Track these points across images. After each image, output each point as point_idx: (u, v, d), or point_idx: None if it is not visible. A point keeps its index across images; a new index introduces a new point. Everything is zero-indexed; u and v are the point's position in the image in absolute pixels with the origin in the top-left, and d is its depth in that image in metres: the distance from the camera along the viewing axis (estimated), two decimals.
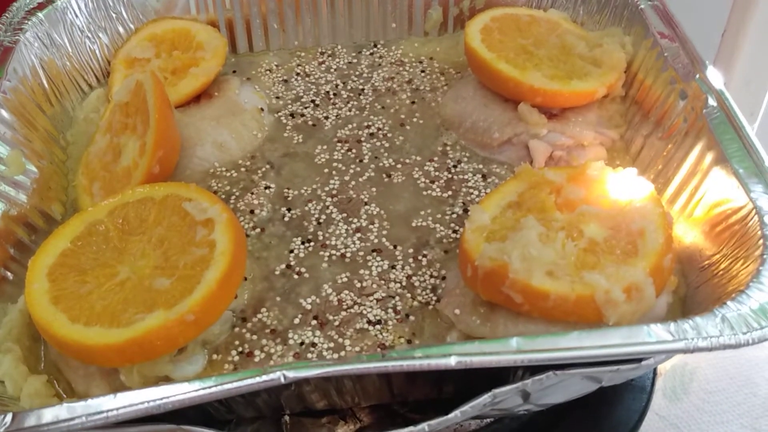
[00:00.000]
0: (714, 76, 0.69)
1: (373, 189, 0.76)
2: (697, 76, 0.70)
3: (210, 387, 0.48)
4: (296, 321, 0.64)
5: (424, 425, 0.50)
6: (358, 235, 0.71)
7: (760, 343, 0.48)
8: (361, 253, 0.69)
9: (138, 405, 0.47)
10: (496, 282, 0.57)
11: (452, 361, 0.48)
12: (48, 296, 0.58)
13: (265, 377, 0.48)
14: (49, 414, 0.48)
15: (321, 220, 0.73)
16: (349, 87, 0.89)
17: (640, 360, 0.50)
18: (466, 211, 0.73)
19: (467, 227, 0.62)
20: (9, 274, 0.67)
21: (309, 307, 0.65)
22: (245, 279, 0.67)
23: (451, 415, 0.50)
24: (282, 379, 0.48)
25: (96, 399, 0.48)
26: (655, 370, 0.71)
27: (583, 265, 0.57)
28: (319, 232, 0.71)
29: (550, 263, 0.57)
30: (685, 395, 0.78)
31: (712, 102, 0.67)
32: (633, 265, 0.56)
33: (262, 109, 0.84)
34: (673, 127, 0.71)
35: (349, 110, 0.85)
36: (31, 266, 0.61)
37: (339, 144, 0.81)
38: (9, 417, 0.48)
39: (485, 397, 0.50)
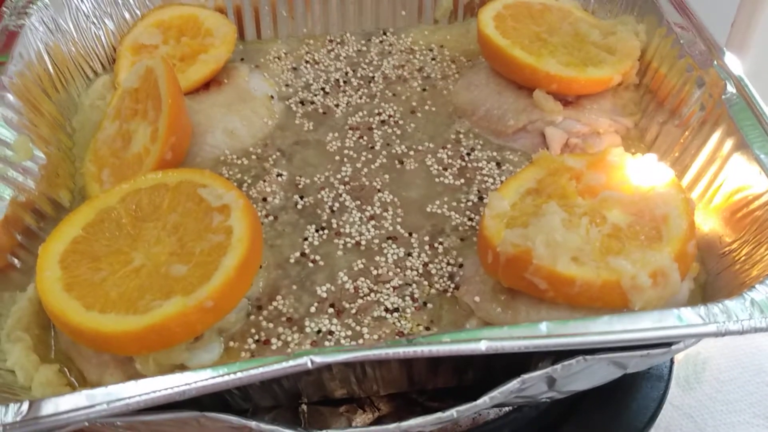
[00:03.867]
0: (733, 62, 0.68)
1: (386, 176, 0.75)
2: (715, 62, 0.69)
3: (235, 372, 0.47)
4: (312, 309, 0.63)
5: (453, 411, 0.49)
6: (373, 222, 0.70)
7: None
8: (376, 241, 0.68)
9: (161, 391, 0.46)
10: (519, 268, 0.57)
11: (482, 346, 0.47)
12: (61, 283, 0.57)
13: (292, 362, 0.47)
14: (67, 401, 0.47)
15: (334, 208, 0.72)
16: (359, 75, 0.88)
17: (670, 344, 0.49)
18: (481, 198, 0.72)
19: (486, 214, 0.61)
20: (17, 261, 0.65)
21: (325, 295, 0.64)
22: (260, 267, 0.66)
23: (480, 401, 0.49)
24: (309, 364, 0.47)
25: (116, 386, 0.47)
26: (672, 359, 0.70)
27: (607, 250, 0.56)
28: (333, 220, 0.71)
29: (575, 249, 0.56)
30: (698, 385, 0.78)
31: (731, 88, 0.66)
32: (658, 251, 0.56)
33: (272, 97, 0.83)
34: (689, 115, 0.70)
35: (360, 98, 0.84)
36: (42, 253, 0.59)
37: (350, 131, 0.80)
38: (26, 405, 0.47)
39: (514, 383, 0.49)
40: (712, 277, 0.62)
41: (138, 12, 0.90)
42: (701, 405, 0.77)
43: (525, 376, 0.49)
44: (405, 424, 0.49)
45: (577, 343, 0.47)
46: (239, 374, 0.46)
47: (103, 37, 0.88)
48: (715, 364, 0.80)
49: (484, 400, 0.49)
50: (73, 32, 0.85)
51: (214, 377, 0.47)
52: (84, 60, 0.86)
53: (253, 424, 0.49)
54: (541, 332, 0.48)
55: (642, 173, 0.62)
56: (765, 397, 0.78)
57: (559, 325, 0.48)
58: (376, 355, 0.47)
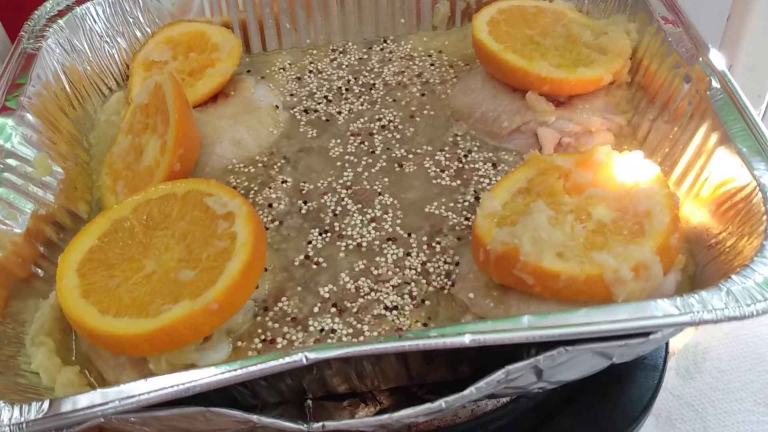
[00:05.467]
0: (717, 58, 0.70)
1: (386, 179, 0.78)
2: (700, 59, 0.71)
3: (235, 370, 0.50)
4: (316, 309, 0.66)
5: (441, 402, 0.52)
6: (373, 224, 0.73)
7: (764, 314, 0.50)
8: (377, 242, 0.71)
9: (167, 389, 0.49)
10: (508, 265, 0.59)
11: (466, 339, 0.50)
12: (78, 290, 0.61)
13: (288, 359, 0.50)
14: (84, 399, 0.50)
15: (337, 212, 0.75)
16: (360, 82, 0.91)
17: (647, 334, 0.51)
18: (477, 198, 0.75)
19: (479, 213, 0.64)
20: (39, 271, 0.69)
21: (327, 295, 0.67)
22: (266, 270, 0.69)
23: (466, 392, 0.52)
24: (304, 360, 0.50)
25: (128, 384, 0.50)
26: (667, 348, 0.72)
27: (591, 245, 0.58)
28: (336, 223, 0.74)
29: (559, 245, 0.58)
30: (698, 374, 0.80)
31: (715, 84, 0.68)
32: (640, 245, 0.58)
33: (277, 107, 0.86)
34: (678, 111, 0.72)
35: (361, 104, 0.87)
36: (61, 263, 0.63)
37: (352, 137, 0.83)
38: (47, 403, 0.51)
39: (499, 374, 0.51)
40: (700, 268, 0.64)
41: (148, 30, 0.94)
42: (702, 394, 0.79)
43: (509, 367, 0.51)
44: (397, 414, 0.52)
45: (557, 335, 0.50)
46: (239, 371, 0.50)
47: (116, 56, 0.92)
48: (716, 353, 0.81)
49: (470, 390, 0.52)
50: (87, 52, 0.89)
51: (216, 374, 0.50)
52: (99, 78, 0.90)
53: (254, 417, 0.52)
54: (523, 325, 0.50)
55: (628, 170, 0.64)
56: (766, 386, 0.79)
57: (540, 318, 0.51)
58: (367, 350, 0.50)
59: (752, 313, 0.50)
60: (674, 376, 0.79)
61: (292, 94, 0.90)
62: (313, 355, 0.50)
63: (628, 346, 0.52)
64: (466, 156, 0.79)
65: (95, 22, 0.90)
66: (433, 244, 0.71)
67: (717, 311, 0.50)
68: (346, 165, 0.80)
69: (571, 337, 0.50)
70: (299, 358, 0.50)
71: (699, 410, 0.78)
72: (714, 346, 0.81)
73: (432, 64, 0.92)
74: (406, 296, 0.67)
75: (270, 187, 0.78)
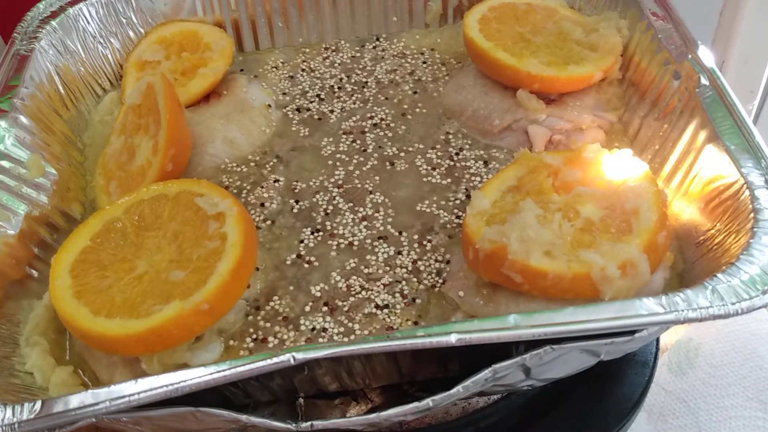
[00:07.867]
0: (705, 55, 0.70)
1: (377, 177, 0.78)
2: (690, 56, 0.71)
3: (224, 370, 0.50)
4: (307, 308, 0.67)
5: (428, 401, 0.52)
6: (365, 223, 0.73)
7: (749, 312, 0.50)
8: (368, 241, 0.72)
9: (157, 389, 0.50)
10: (497, 263, 0.59)
11: (452, 339, 0.50)
12: (71, 291, 0.61)
13: (275, 359, 0.50)
14: (75, 400, 0.51)
15: (328, 211, 0.75)
16: (353, 80, 0.91)
17: (633, 332, 0.52)
18: (468, 196, 0.75)
19: (468, 212, 0.64)
20: (34, 272, 0.70)
21: (319, 294, 0.68)
22: (257, 269, 0.69)
23: (453, 391, 0.52)
24: (291, 361, 0.50)
25: (118, 385, 0.51)
26: (657, 345, 0.73)
27: (579, 244, 0.59)
28: (327, 222, 0.74)
29: (547, 243, 0.59)
30: (690, 370, 0.80)
31: (704, 81, 0.68)
32: (627, 243, 0.58)
33: (269, 106, 0.87)
34: (668, 108, 0.72)
35: (354, 103, 0.88)
36: (54, 264, 0.64)
37: (344, 136, 0.83)
38: (39, 404, 0.51)
39: (486, 373, 0.52)
40: (689, 265, 0.64)
41: (141, 30, 0.94)
42: (694, 389, 0.79)
43: (496, 366, 0.52)
44: (385, 414, 0.52)
45: (542, 334, 0.50)
46: (227, 372, 0.50)
47: (109, 56, 0.92)
48: (708, 349, 0.82)
49: (457, 389, 0.52)
50: (81, 53, 0.89)
51: (204, 375, 0.50)
52: (92, 78, 0.90)
53: (244, 417, 0.52)
54: (509, 324, 0.51)
55: (616, 168, 0.64)
56: (758, 381, 0.79)
57: (525, 317, 0.51)
58: (354, 350, 0.51)
59: (737, 311, 0.50)
60: (666, 371, 0.79)
61: (284, 93, 0.90)
62: (300, 356, 0.50)
63: (614, 344, 0.52)
64: (457, 154, 0.80)
65: (88, 22, 0.91)
66: (424, 243, 0.71)
67: (702, 310, 0.51)
68: (338, 164, 0.80)
69: (557, 336, 0.50)
70: (287, 358, 0.50)
71: (691, 405, 0.78)
72: (706, 342, 0.82)
73: (424, 62, 0.93)
74: (397, 294, 0.67)
75: (262, 187, 0.78)
